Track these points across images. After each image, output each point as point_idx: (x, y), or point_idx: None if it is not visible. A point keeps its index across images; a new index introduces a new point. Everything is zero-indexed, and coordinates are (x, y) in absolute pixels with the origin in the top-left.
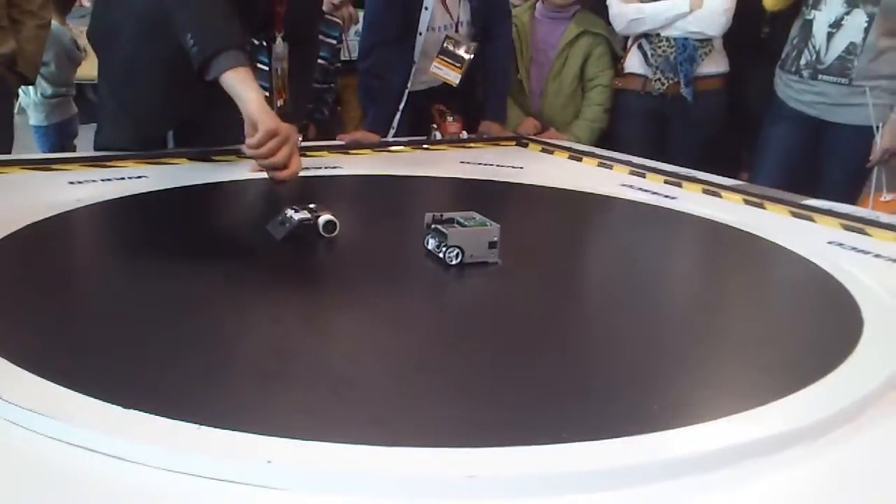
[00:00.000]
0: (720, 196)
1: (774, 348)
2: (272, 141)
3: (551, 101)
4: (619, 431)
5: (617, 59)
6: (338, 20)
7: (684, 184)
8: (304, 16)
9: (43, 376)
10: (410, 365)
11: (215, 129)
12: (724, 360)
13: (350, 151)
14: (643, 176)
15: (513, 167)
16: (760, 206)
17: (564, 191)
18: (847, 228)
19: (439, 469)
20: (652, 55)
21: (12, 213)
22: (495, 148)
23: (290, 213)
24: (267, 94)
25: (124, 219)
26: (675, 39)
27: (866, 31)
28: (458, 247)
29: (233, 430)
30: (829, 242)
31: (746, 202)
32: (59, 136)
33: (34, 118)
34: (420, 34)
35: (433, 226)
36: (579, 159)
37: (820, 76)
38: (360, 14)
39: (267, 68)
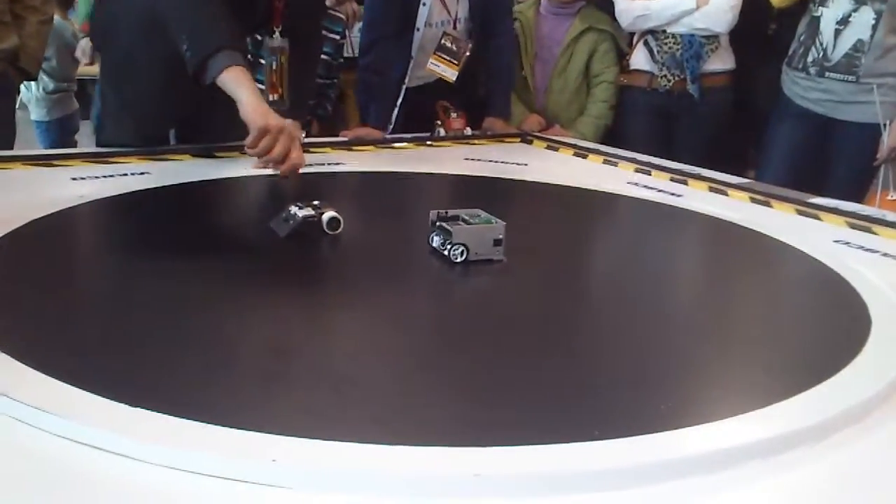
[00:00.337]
0: (726, 194)
1: (781, 348)
2: (265, 139)
3: (556, 97)
4: (626, 431)
5: (622, 56)
6: (341, 15)
7: (690, 181)
8: (304, 11)
9: (48, 374)
10: (414, 363)
11: (217, 126)
12: (730, 359)
13: (353, 148)
14: (649, 173)
15: (517, 164)
16: (767, 204)
17: (569, 188)
18: (854, 227)
19: (444, 468)
20: (658, 52)
21: (14, 209)
22: (500, 145)
23: (293, 209)
24: (262, 87)
25: (127, 215)
26: (681, 36)
27: (874, 28)
28: (463, 244)
29: (237, 428)
30: (836, 241)
31: (753, 200)
32: (60, 132)
33: (36, 113)
34: (418, 30)
35: (438, 223)
36: (584, 156)
37: (827, 73)
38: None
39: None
